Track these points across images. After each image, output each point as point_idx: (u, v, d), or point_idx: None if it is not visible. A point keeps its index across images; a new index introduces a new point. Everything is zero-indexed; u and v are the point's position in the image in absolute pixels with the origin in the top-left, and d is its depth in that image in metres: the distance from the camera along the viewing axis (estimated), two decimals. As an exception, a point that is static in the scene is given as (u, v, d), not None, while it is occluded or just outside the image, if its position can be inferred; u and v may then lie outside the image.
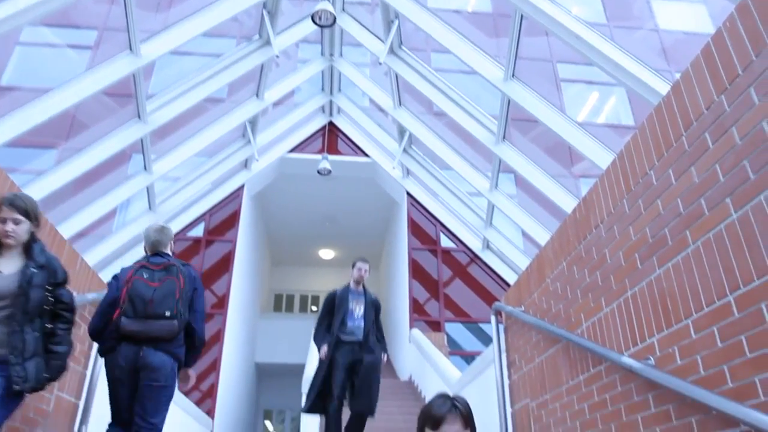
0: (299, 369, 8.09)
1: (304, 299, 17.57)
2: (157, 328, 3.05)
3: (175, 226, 10.53)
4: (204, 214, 11.23)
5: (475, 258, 11.89)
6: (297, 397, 7.22)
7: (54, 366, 2.70)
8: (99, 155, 7.43)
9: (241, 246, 11.39)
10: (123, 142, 7.59)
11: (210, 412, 9.22)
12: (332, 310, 5.27)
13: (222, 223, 11.49)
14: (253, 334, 13.71)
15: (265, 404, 15.48)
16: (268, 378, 15.11)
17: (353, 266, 5.49)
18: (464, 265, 11.99)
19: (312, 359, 7.71)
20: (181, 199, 10.06)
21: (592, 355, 2.98)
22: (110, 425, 3.15)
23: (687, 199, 2.28)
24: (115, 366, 3.07)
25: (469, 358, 10.19)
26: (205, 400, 9.43)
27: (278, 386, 14.80)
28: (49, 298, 2.70)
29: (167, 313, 3.06)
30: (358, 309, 5.27)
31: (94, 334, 3.19)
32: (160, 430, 3.08)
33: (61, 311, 2.79)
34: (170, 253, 3.48)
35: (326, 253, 16.60)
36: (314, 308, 17.39)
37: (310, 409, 5.03)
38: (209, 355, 9.98)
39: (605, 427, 2.81)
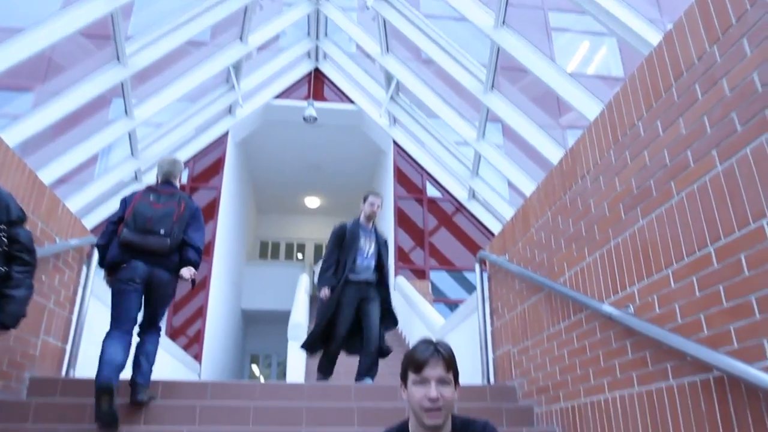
0: (285, 315, 8.21)
1: (289, 247, 17.64)
2: (152, 242, 3.39)
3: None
4: (188, 161, 11.08)
5: (460, 207, 11.95)
6: (283, 343, 7.34)
7: (9, 312, 2.48)
8: (77, 99, 7.22)
9: (226, 193, 11.32)
10: (102, 85, 7.37)
11: (197, 357, 9.38)
12: (341, 244, 4.86)
13: (206, 170, 11.37)
14: (239, 281, 13.82)
15: (251, 349, 15.76)
16: (254, 324, 15.32)
17: (364, 200, 5.06)
18: (450, 214, 12.06)
19: (299, 306, 7.80)
20: (164, 145, 9.88)
21: (573, 304, 3.04)
22: (110, 331, 3.34)
23: (673, 151, 2.28)
24: (129, 279, 3.34)
25: (452, 305, 10.39)
26: (192, 345, 9.57)
27: (264, 332, 15.03)
28: (2, 238, 2.50)
29: (162, 231, 3.42)
30: (368, 247, 4.88)
31: (100, 248, 3.53)
32: (160, 329, 3.62)
33: (17, 252, 2.54)
34: (177, 185, 3.83)
35: (312, 201, 16.57)
36: (300, 256, 17.49)
37: (311, 347, 4.75)
38: (196, 302, 10.06)
39: (583, 372, 2.90)
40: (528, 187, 8.48)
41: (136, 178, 9.76)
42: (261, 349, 15.99)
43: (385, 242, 5.08)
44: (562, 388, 3.13)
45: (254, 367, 16.21)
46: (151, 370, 3.36)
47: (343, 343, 4.72)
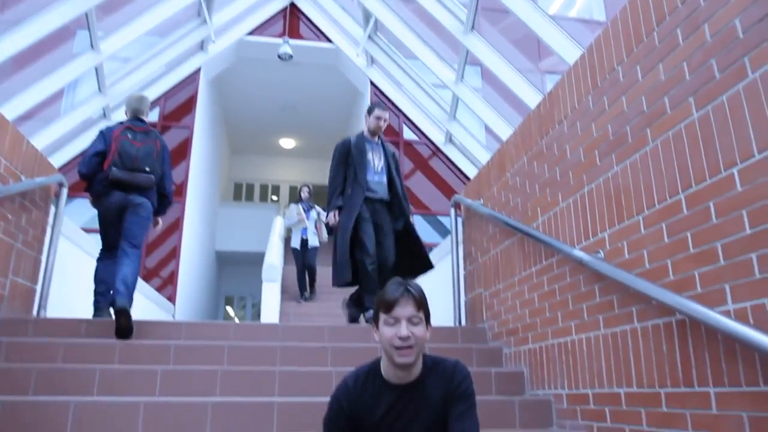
0: (260, 257, 8.23)
1: (264, 189, 17.49)
2: (140, 179, 3.86)
3: (127, 110, 10.08)
4: (159, 99, 10.72)
5: (437, 151, 11.90)
6: (257, 284, 7.39)
7: None
8: (39, 30, 6.85)
9: (198, 132, 11.06)
10: (65, 16, 6.99)
11: (171, 298, 9.39)
12: (347, 161, 4.37)
13: (178, 108, 11.03)
14: (213, 223, 13.71)
15: (226, 291, 15.84)
16: (228, 266, 15.33)
17: (369, 113, 4.51)
18: (426, 158, 12.01)
19: (274, 247, 7.82)
20: (133, 81, 9.52)
21: (545, 248, 3.09)
22: (101, 254, 4.02)
23: (651, 97, 2.27)
24: (108, 208, 3.86)
25: (427, 249, 10.49)
26: (166, 287, 9.56)
27: (239, 274, 15.07)
28: None
29: (147, 168, 3.89)
30: (377, 161, 4.39)
31: (85, 179, 3.91)
32: (140, 248, 3.90)
33: None
34: (146, 120, 4.16)
35: (287, 143, 16.31)
36: (274, 198, 17.37)
37: (344, 281, 4.24)
38: (169, 243, 9.98)
39: (552, 315, 2.98)
40: (505, 131, 8.45)
41: (104, 115, 9.45)
42: (236, 291, 16.09)
43: (394, 154, 4.59)
44: (531, 330, 3.21)
45: (229, 308, 16.34)
46: (132, 289, 3.68)
47: (375, 262, 4.20)
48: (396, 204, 4.42)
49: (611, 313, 2.45)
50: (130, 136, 3.90)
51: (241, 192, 17.43)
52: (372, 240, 4.20)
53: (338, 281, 4.25)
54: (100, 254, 4.06)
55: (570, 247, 2.75)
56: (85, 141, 9.49)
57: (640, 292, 2.16)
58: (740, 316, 1.74)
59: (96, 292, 3.99)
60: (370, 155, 4.38)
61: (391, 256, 4.29)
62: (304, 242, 8.24)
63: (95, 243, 5.51)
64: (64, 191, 4.28)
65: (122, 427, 2.50)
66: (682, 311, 1.93)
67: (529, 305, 3.26)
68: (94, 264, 4.26)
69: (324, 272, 9.53)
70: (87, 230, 6.64)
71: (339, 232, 4.23)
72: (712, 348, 1.87)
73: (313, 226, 8.38)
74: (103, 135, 3.93)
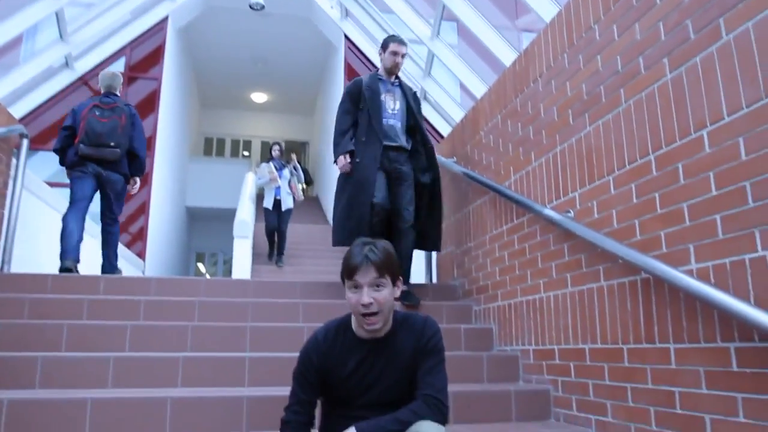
0: (231, 213, 8.13)
1: (235, 144, 17.18)
2: (106, 153, 4.22)
3: (92, 59, 9.67)
4: (124, 48, 10.31)
5: (411, 109, 11.79)
6: (229, 241, 7.32)
7: None
8: (-6, -29, 6.49)
9: (167, 85, 10.72)
10: (22, -43, 6.62)
11: (141, 255, 9.27)
12: (357, 105, 3.81)
13: (145, 58, 10.64)
14: (184, 178, 13.48)
15: (197, 247, 15.70)
16: (200, 222, 15.16)
17: (384, 48, 3.88)
18: (400, 115, 11.89)
19: (245, 204, 7.72)
20: (96, 28, 9.11)
21: (516, 207, 3.12)
22: (68, 210, 4.22)
23: (626, 57, 2.26)
24: (85, 174, 4.23)
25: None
26: (136, 243, 9.43)
27: (210, 230, 14.93)
28: None
29: (112, 143, 4.23)
30: (393, 103, 3.80)
31: (57, 151, 4.32)
32: (118, 219, 4.51)
33: None
34: (118, 94, 4.55)
35: (258, 97, 15.94)
36: (246, 153, 17.10)
37: (341, 239, 3.68)
38: (138, 198, 9.77)
39: (521, 273, 3.03)
40: (480, 89, 8.39)
41: (66, 64, 9.09)
42: (207, 248, 15.96)
43: (415, 95, 3.97)
44: (500, 287, 3.27)
45: (200, 265, 16.24)
46: (114, 255, 4.42)
47: (384, 215, 3.62)
48: (419, 153, 3.78)
49: (579, 272, 2.50)
50: (97, 113, 4.25)
51: (212, 147, 17.09)
52: (380, 189, 3.60)
53: (336, 240, 3.72)
54: (68, 209, 4.26)
55: (541, 206, 2.78)
56: (48, 90, 9.14)
57: (607, 251, 2.20)
58: (702, 276, 1.79)
59: (61, 246, 4.11)
60: (383, 97, 3.79)
61: (408, 208, 3.64)
62: (277, 203, 7.86)
63: (60, 197, 5.38)
64: (26, 142, 4.13)
65: (92, 382, 2.49)
66: (647, 270, 1.98)
67: (499, 263, 3.31)
68: (59, 218, 4.23)
69: (299, 230, 9.51)
70: (51, 184, 6.46)
71: (344, 182, 3.70)
72: (674, 306, 1.93)
73: (287, 186, 8.01)
74: (74, 112, 4.32)
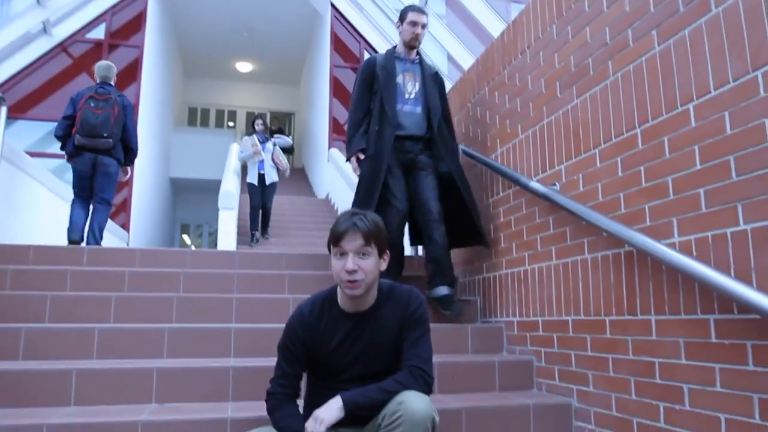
0: (216, 185, 8.06)
1: (220, 114, 16.94)
2: (99, 143, 4.68)
3: (70, 25, 9.43)
4: (104, 14, 10.05)
5: (398, 80, 11.68)
6: (214, 212, 7.27)
7: None
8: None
9: (149, 52, 10.49)
10: None
11: (125, 226, 9.19)
12: (371, 87, 3.37)
13: (126, 25, 10.38)
14: (167, 149, 13.30)
15: (182, 219, 15.58)
16: (184, 193, 15.03)
17: (402, 19, 3.43)
18: (387, 86, 11.78)
19: (230, 174, 7.64)
20: (74, -7, 8.90)
21: (502, 179, 3.12)
22: (73, 200, 4.82)
23: (615, 29, 2.24)
24: (81, 165, 4.72)
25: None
26: (120, 214, 9.33)
27: (195, 201, 14.82)
28: None
29: (105, 134, 4.68)
30: (411, 85, 3.36)
31: (59, 138, 4.80)
32: (110, 201, 4.90)
33: None
34: (113, 84, 5.00)
35: (243, 66, 15.68)
36: (231, 124, 16.89)
37: None
38: (121, 168, 9.66)
39: (506, 246, 3.04)
40: (467, 61, 8.33)
41: (45, 30, 8.86)
42: (192, 219, 15.84)
43: (436, 75, 3.47)
44: (485, 260, 3.29)
45: (185, 237, 16.15)
46: (100, 236, 4.78)
47: (404, 219, 3.24)
48: (438, 142, 3.29)
49: (563, 245, 2.52)
50: (92, 104, 4.68)
51: (196, 117, 16.85)
52: (400, 191, 3.19)
53: None
54: (73, 199, 4.86)
55: (527, 178, 2.78)
56: (25, 57, 8.92)
57: (592, 224, 2.22)
58: (685, 249, 1.81)
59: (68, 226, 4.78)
60: (400, 78, 3.35)
61: (431, 201, 3.20)
62: (261, 177, 7.58)
63: (42, 167, 5.30)
64: (3, 110, 4.03)
65: (77, 353, 2.49)
66: (631, 243, 2.00)
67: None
68: (41, 188, 4.31)
69: (284, 202, 9.46)
70: (32, 154, 6.34)
71: (361, 186, 3.24)
72: (656, 279, 1.95)
73: (270, 159, 7.72)
74: (73, 101, 4.78)
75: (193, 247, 15.80)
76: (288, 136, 8.61)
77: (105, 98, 4.73)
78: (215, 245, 7.84)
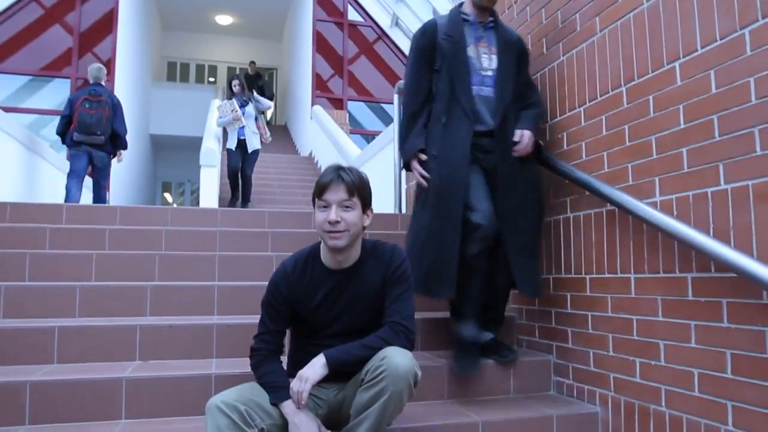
0: (197, 142, 7.91)
1: (200, 69, 16.53)
2: (94, 139, 5.52)
3: (41, -25, 9.06)
4: (77, -38, 9.65)
5: (382, 35, 11.47)
6: (195, 170, 7.16)
7: None
8: None
9: (124, 3, 10.12)
10: None
11: (105, 185, 9.03)
12: (431, 62, 2.41)
13: (100, -26, 9.99)
14: (146, 105, 12.99)
15: (163, 177, 15.35)
16: (165, 150, 14.77)
17: None
18: (371, 41, 11.58)
19: (211, 132, 7.47)
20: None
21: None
22: (68, 179, 5.52)
23: (604, -16, 2.20)
24: (80, 153, 5.54)
25: (369, 137, 10.42)
26: (99, 170, 9.17)
27: (176, 159, 14.58)
28: None
29: (98, 132, 5.52)
30: (487, 60, 2.40)
31: (59, 135, 5.64)
32: (105, 186, 5.86)
33: None
34: (104, 84, 5.82)
35: (224, 19, 15.22)
36: (212, 79, 16.51)
37: (444, 293, 2.25)
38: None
39: (490, 204, 3.04)
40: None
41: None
42: (173, 177, 15.62)
43: (516, 43, 2.48)
44: (468, 217, 3.29)
45: (167, 195, 15.97)
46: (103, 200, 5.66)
47: (489, 241, 2.24)
48: (510, 129, 2.39)
49: (546, 203, 2.52)
50: (87, 106, 5.47)
51: (176, 72, 16.41)
52: (483, 194, 2.28)
53: (435, 292, 2.27)
54: (69, 173, 5.59)
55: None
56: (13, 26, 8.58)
57: (578, 182, 2.22)
58: (665, 208, 1.83)
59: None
60: (471, 49, 2.40)
61: (519, 223, 2.32)
62: (241, 143, 6.92)
63: (16, 123, 5.16)
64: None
65: (59, 311, 2.48)
66: (613, 200, 2.01)
67: (468, 194, 3.31)
68: (16, 145, 4.31)
69: (266, 160, 9.35)
70: (6, 109, 6.16)
71: (423, 201, 2.38)
72: (637, 238, 1.97)
73: (253, 124, 7.01)
74: (71, 102, 5.58)
75: (175, 206, 15.65)
76: (266, 80, 8.17)
77: (98, 99, 5.53)
78: (198, 204, 7.72)
